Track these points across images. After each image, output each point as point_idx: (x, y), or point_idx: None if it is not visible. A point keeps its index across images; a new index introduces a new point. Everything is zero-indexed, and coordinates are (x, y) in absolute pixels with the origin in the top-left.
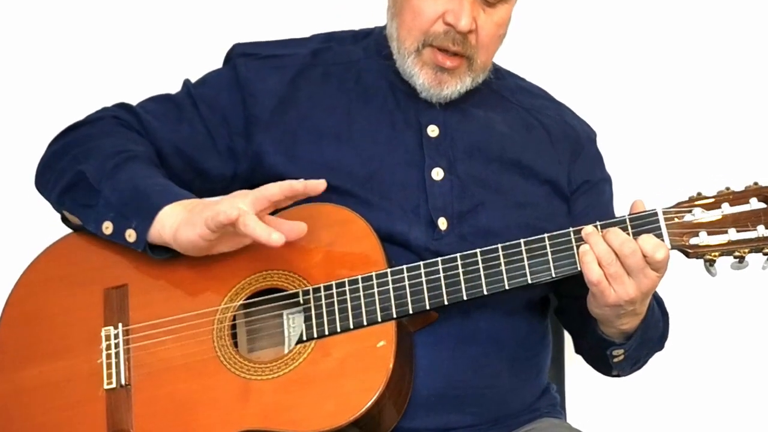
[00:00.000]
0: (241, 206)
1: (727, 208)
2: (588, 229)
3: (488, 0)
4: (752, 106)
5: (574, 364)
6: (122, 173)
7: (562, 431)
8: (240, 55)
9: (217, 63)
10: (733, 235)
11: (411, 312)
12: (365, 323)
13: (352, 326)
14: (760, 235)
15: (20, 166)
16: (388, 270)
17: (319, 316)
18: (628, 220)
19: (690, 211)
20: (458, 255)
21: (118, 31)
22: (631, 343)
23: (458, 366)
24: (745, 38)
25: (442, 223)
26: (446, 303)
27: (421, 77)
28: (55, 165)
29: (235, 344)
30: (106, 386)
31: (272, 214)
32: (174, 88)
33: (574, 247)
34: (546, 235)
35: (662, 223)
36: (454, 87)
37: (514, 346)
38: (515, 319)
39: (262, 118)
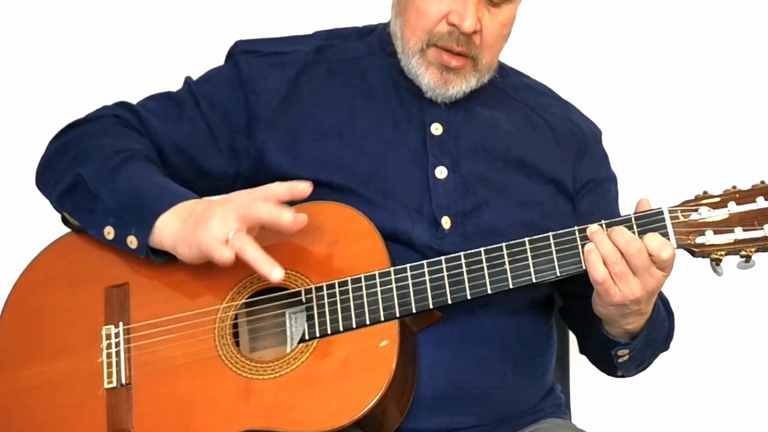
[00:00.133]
0: (231, 234)
1: (733, 207)
2: (593, 228)
3: (493, 0)
4: (758, 105)
5: (579, 364)
6: (120, 176)
7: None
8: (242, 52)
9: (218, 60)
10: (739, 234)
11: (414, 311)
12: (368, 322)
13: (354, 325)
14: (767, 234)
15: (20, 165)
16: (392, 269)
17: (321, 315)
18: (633, 219)
19: (696, 210)
20: (462, 254)
21: (119, 28)
22: (636, 343)
23: (462, 366)
24: (751, 37)
25: (446, 222)
26: (450, 302)
27: (426, 77)
28: (55, 164)
29: (237, 343)
30: (106, 385)
31: None
32: (175, 85)
33: (579, 246)
34: (551, 233)
35: (668, 222)
36: (460, 87)
37: (519, 345)
38: (520, 319)
39: (264, 116)
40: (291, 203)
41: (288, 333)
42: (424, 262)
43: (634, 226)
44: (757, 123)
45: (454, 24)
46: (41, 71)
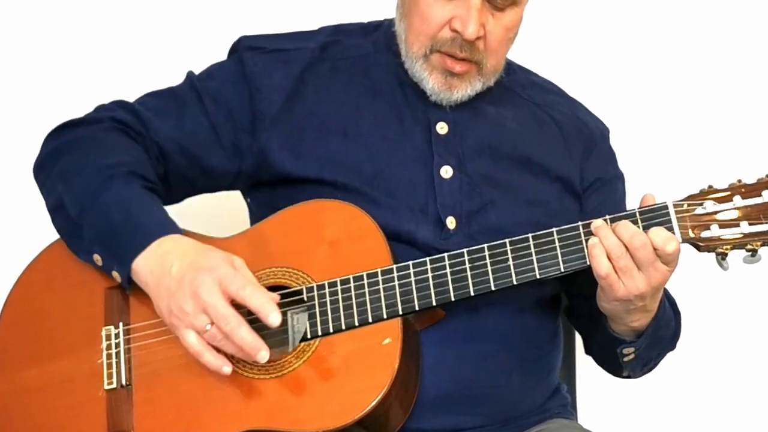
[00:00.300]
0: (208, 327)
1: (739, 201)
2: (597, 223)
3: (497, 5)
4: (763, 100)
5: (586, 364)
6: (98, 205)
7: None
8: (246, 48)
9: (220, 54)
10: (745, 228)
11: (417, 309)
12: (370, 320)
13: (357, 323)
14: None
15: (20, 165)
16: (394, 266)
17: (323, 313)
18: (638, 214)
19: (701, 204)
20: (465, 250)
21: (119, 20)
22: (641, 341)
23: (467, 365)
24: (757, 32)
25: (451, 222)
26: (453, 299)
27: (430, 82)
28: (47, 170)
29: None
30: (106, 386)
31: (274, 211)
32: (175, 79)
33: (583, 242)
34: (554, 229)
35: (673, 216)
36: (464, 91)
37: (524, 344)
38: (525, 318)
39: (268, 114)
40: (292, 202)
41: (290, 332)
42: (427, 259)
43: (639, 220)
44: (763, 118)
45: (457, 30)
46: (41, 66)
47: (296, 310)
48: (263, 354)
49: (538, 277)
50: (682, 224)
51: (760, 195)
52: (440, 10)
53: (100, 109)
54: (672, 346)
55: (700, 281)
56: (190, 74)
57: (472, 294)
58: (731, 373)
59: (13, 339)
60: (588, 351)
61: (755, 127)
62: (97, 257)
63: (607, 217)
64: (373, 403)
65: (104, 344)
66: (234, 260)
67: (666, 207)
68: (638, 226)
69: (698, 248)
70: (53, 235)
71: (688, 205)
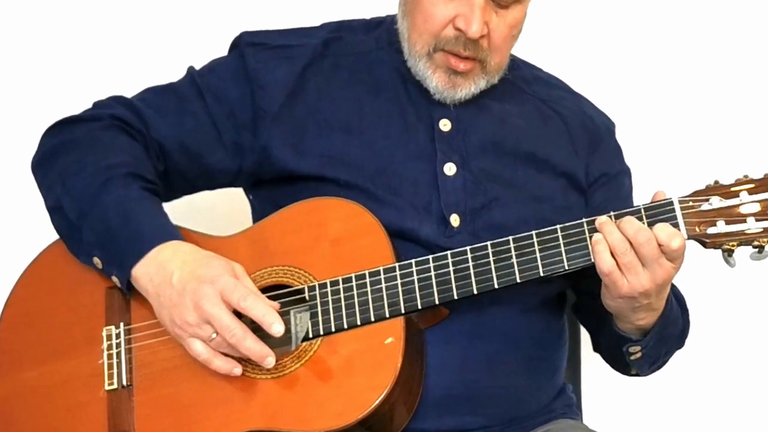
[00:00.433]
0: (213, 335)
1: (745, 197)
2: (602, 219)
3: (500, 2)
4: None
5: (591, 364)
6: (96, 208)
7: None
8: (248, 44)
9: (221, 50)
10: (752, 224)
11: (420, 307)
12: (372, 319)
13: (359, 322)
14: None
15: (20, 164)
16: (396, 264)
17: (325, 312)
18: (643, 210)
19: (707, 200)
20: (468, 248)
21: (119, 15)
22: (648, 339)
23: (472, 365)
24: (765, 25)
25: (455, 220)
26: (456, 297)
27: (434, 80)
28: (45, 168)
29: None
30: (107, 387)
31: (277, 208)
32: (175, 74)
33: (588, 239)
34: (558, 226)
35: (678, 212)
36: (468, 89)
37: (530, 344)
38: (531, 317)
39: (270, 111)
40: (294, 199)
41: (293, 331)
42: (430, 257)
43: (644, 217)
44: None
45: (461, 29)
46: (39, 61)
47: (298, 310)
48: (270, 360)
49: (541, 274)
50: (688, 220)
51: (767, 190)
52: (443, 9)
53: (99, 105)
54: (680, 344)
55: (707, 279)
56: (190, 70)
57: (476, 292)
58: (739, 372)
59: (14, 340)
60: (596, 348)
61: (761, 122)
62: (96, 260)
63: (612, 213)
64: (376, 402)
65: (105, 344)
66: (234, 268)
67: (671, 203)
68: (643, 223)
69: (704, 245)
70: (53, 235)
71: (694, 201)
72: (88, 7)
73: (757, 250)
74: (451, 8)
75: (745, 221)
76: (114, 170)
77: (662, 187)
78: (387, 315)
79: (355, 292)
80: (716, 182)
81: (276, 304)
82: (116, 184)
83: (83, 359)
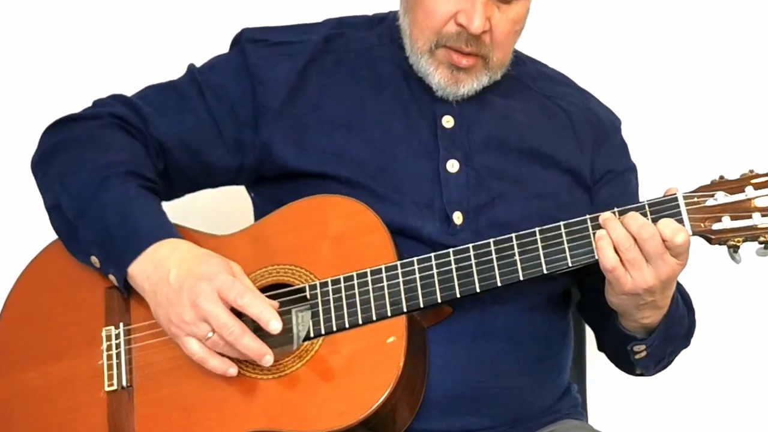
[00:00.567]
0: (210, 334)
1: (751, 192)
2: (606, 215)
3: None
4: None
5: (596, 363)
6: (94, 206)
7: None
8: (249, 41)
9: (222, 47)
10: (758, 219)
11: (422, 306)
12: (374, 318)
13: (360, 321)
14: None
15: (19, 162)
16: (398, 262)
17: (326, 311)
18: (647, 206)
19: (712, 195)
20: (471, 246)
21: (119, 13)
22: (653, 338)
23: (475, 365)
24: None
25: (458, 218)
26: (458, 296)
27: (436, 77)
28: (45, 167)
29: None
30: (107, 388)
31: (279, 205)
32: (176, 72)
33: (591, 235)
34: (562, 223)
35: (683, 208)
36: (471, 86)
37: (535, 344)
38: (535, 316)
39: (271, 108)
40: (296, 197)
41: (294, 330)
42: (432, 255)
43: (648, 213)
44: None
45: (462, 25)
46: (39, 59)
47: (299, 309)
48: (268, 358)
49: (545, 272)
50: (693, 216)
51: None
52: (445, 4)
53: (99, 104)
54: (686, 343)
55: (712, 276)
56: (191, 67)
57: (478, 290)
58: (746, 372)
59: (13, 340)
60: (600, 347)
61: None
62: (94, 259)
63: (616, 209)
64: (378, 402)
65: (105, 345)
66: (232, 266)
67: (676, 199)
68: (647, 219)
69: (709, 241)
70: (52, 235)
71: (699, 196)
72: (88, 5)
73: (763, 245)
74: (452, 4)
75: (750, 217)
76: (113, 168)
77: (667, 183)
78: (389, 314)
79: (356, 290)
80: (721, 177)
81: (275, 302)
82: (115, 183)
83: (83, 360)
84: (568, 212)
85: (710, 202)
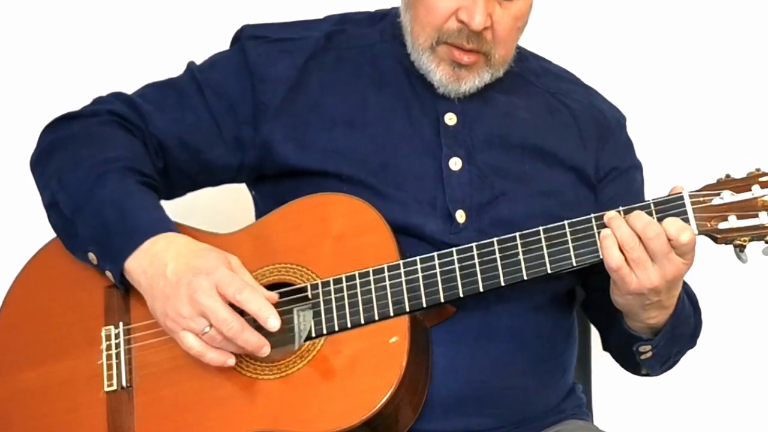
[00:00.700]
0: (207, 329)
1: (757, 191)
2: (610, 214)
3: None
4: None
5: (601, 363)
6: (91, 202)
7: None
8: (249, 37)
9: (222, 44)
10: (764, 218)
11: (425, 305)
12: (377, 318)
13: (363, 321)
14: None
15: (18, 161)
16: (401, 262)
17: (328, 311)
18: (652, 205)
19: (718, 194)
20: (474, 245)
21: (119, 11)
22: (659, 338)
23: (478, 365)
24: None
25: (460, 216)
26: (462, 295)
27: (438, 73)
28: (43, 165)
29: None
30: (106, 388)
31: (280, 204)
32: (176, 70)
33: (596, 234)
34: (566, 222)
35: (688, 207)
36: (473, 82)
37: (539, 344)
38: (539, 315)
39: (271, 105)
40: (297, 195)
41: (296, 330)
42: (435, 254)
43: (653, 212)
44: None
45: (464, 21)
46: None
47: (301, 308)
48: (266, 349)
49: (549, 271)
50: (699, 215)
51: None
52: (446, 1)
53: (98, 101)
54: (692, 343)
55: (718, 276)
56: (191, 65)
57: (482, 290)
58: (753, 372)
59: (12, 340)
60: (605, 347)
61: None
62: (92, 256)
63: (621, 208)
64: (381, 402)
65: (104, 345)
66: (231, 260)
67: (681, 197)
68: (653, 218)
69: (715, 240)
70: (51, 233)
71: (705, 195)
72: (88, 3)
73: None
74: (453, 0)
75: (757, 216)
76: (110, 164)
77: (673, 182)
78: (391, 313)
79: (358, 290)
80: (727, 176)
81: (274, 295)
82: (112, 179)
83: (82, 360)
84: (572, 210)
85: (716, 200)
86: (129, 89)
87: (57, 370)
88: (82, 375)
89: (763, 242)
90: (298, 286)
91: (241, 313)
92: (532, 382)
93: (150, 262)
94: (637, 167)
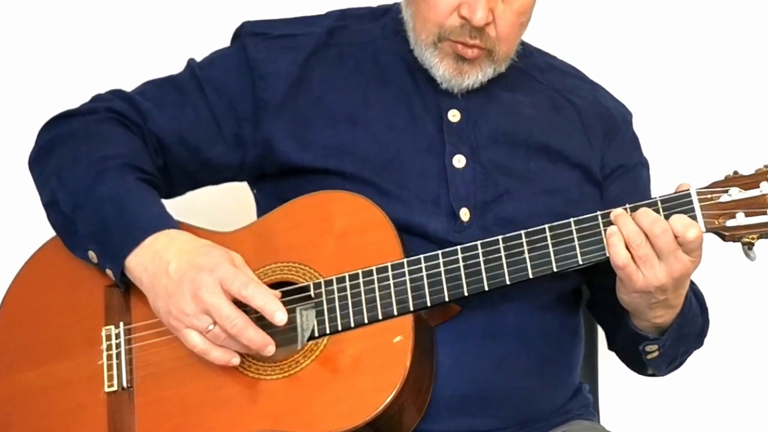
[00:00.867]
0: (210, 327)
1: (766, 187)
2: (617, 211)
3: None
4: None
5: (608, 363)
6: (91, 200)
7: None
8: (249, 34)
9: (223, 41)
10: None
11: (429, 305)
12: (380, 317)
13: (366, 321)
14: None
15: (17, 159)
16: (405, 260)
17: (331, 310)
18: (659, 202)
19: (726, 191)
20: (479, 243)
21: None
22: (665, 338)
23: (484, 365)
24: None
25: (464, 214)
26: (467, 294)
27: (441, 68)
28: (42, 163)
29: None
30: (107, 389)
31: (282, 202)
32: (176, 67)
33: (602, 232)
34: (572, 219)
35: (696, 204)
36: (476, 77)
37: (545, 343)
38: (545, 314)
39: (272, 103)
40: (299, 193)
41: (299, 330)
42: (439, 252)
43: (660, 209)
44: None
45: (465, 17)
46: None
47: (304, 307)
48: (270, 348)
49: (555, 270)
50: (706, 212)
51: None
52: None
53: (97, 99)
54: (699, 343)
55: (726, 274)
56: (191, 62)
57: (487, 289)
58: (760, 372)
59: (11, 340)
60: (611, 347)
61: None
62: (92, 254)
63: (627, 206)
64: (385, 403)
65: (104, 345)
66: (234, 257)
67: (689, 195)
68: (660, 215)
69: (723, 238)
70: (51, 232)
71: (713, 192)
72: (87, 2)
73: None
74: None
75: (765, 213)
76: (109, 161)
77: (680, 179)
78: (395, 312)
79: (362, 289)
80: (735, 173)
81: (277, 292)
82: (111, 175)
83: (82, 360)
84: (577, 208)
85: (724, 198)
86: (128, 87)
87: (57, 370)
88: (82, 375)
89: None
90: (301, 285)
91: (246, 312)
92: (538, 382)
93: (152, 260)
94: (644, 164)
